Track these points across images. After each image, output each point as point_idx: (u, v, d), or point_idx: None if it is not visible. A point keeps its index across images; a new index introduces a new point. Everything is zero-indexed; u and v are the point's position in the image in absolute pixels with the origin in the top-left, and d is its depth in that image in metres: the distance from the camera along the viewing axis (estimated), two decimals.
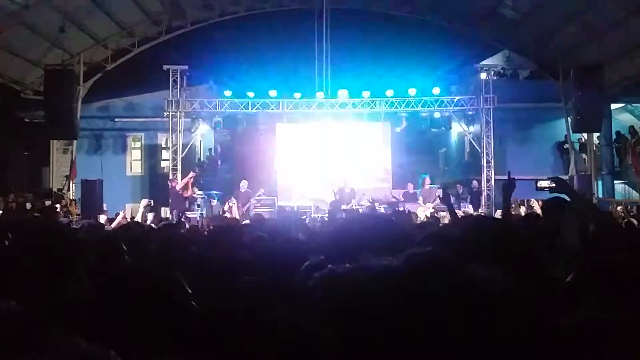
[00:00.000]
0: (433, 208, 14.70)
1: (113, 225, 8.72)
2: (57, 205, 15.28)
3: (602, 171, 19.01)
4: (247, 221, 9.00)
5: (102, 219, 14.19)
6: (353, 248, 1.45)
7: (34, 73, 17.89)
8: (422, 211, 14.08)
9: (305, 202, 16.64)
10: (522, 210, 13.80)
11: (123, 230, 5.75)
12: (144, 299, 1.91)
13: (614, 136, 19.16)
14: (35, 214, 13.51)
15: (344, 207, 14.22)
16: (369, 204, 14.66)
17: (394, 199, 16.01)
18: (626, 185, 18.83)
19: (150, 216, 11.90)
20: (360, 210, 13.75)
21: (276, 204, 16.68)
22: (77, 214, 16.28)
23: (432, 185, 16.45)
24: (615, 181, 19.08)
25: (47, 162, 19.59)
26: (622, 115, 20.17)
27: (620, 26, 14.86)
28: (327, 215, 12.38)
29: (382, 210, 14.27)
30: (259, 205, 16.18)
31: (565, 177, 15.96)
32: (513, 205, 11.79)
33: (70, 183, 18.40)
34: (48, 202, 16.06)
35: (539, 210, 12.37)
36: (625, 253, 2.82)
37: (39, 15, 15.38)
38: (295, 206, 16.65)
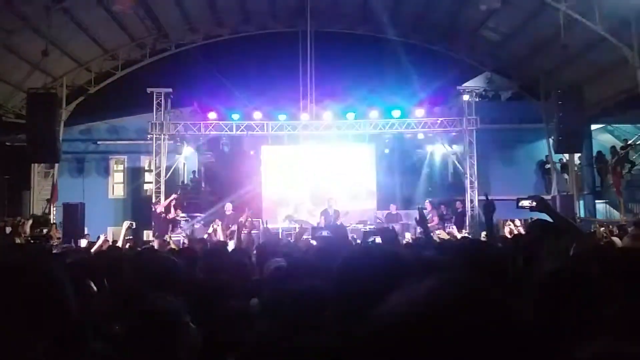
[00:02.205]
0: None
1: (94, 249, 8.56)
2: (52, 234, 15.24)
3: (584, 191, 19.19)
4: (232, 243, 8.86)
5: (84, 242, 13.98)
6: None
7: (16, 97, 17.73)
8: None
9: (291, 224, 16.57)
10: (507, 231, 13.84)
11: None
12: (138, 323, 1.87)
13: (595, 156, 19.38)
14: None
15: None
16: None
17: (378, 221, 16.03)
18: (607, 205, 18.99)
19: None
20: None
21: (261, 226, 16.55)
22: (58, 238, 16.03)
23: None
24: (596, 201, 19.26)
25: (28, 185, 19.32)
26: (602, 136, 20.44)
27: (598, 46, 15.06)
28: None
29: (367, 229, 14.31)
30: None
31: (548, 197, 16.09)
32: (497, 226, 11.82)
33: (52, 206, 18.15)
34: (45, 230, 15.99)
35: (516, 230, 12.43)
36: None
37: (22, 39, 15.29)
38: (280, 228, 16.55)
